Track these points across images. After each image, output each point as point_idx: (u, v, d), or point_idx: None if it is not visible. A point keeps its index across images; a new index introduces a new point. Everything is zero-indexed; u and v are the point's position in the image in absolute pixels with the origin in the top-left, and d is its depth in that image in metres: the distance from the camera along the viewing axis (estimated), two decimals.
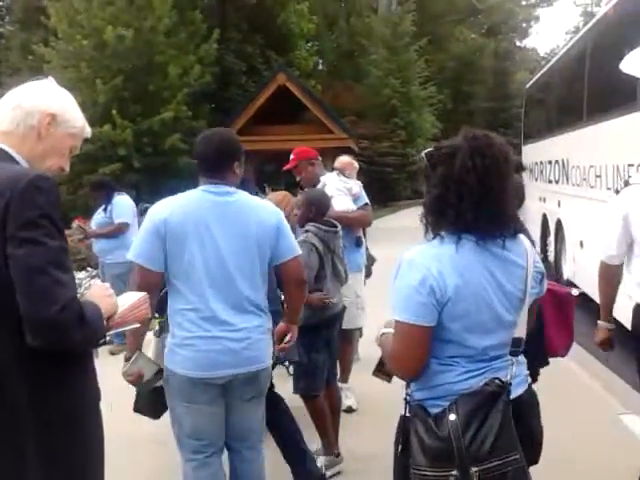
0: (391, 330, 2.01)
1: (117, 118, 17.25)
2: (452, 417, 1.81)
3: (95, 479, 1.86)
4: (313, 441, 3.86)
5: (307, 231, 3.75)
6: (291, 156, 5.03)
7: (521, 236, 2.00)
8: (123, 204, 6.92)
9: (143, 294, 1.99)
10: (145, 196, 12.79)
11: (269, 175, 19.52)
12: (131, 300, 1.93)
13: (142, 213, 5.31)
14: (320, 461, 3.75)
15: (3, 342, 1.65)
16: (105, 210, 6.84)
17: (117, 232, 6.73)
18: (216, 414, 2.72)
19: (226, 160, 2.76)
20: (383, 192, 27.47)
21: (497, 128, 29.27)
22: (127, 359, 2.75)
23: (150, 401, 3.00)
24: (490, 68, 43.14)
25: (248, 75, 23.30)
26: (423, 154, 2.00)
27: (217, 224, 2.64)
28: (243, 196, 2.78)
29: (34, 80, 1.93)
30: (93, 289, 1.85)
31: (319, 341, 3.75)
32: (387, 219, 23.04)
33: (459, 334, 1.90)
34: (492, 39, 44.93)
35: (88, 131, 1.99)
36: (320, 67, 33.33)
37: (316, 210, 3.85)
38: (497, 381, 1.87)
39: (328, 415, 3.82)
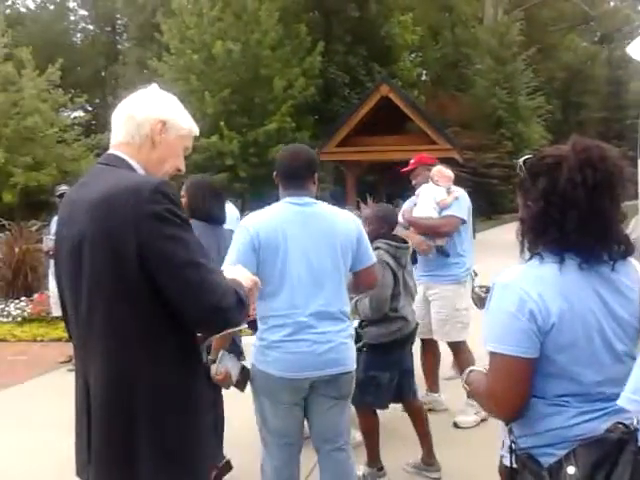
0: (479, 368, 1.82)
1: (224, 129, 17.84)
2: (571, 470, 1.54)
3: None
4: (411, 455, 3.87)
5: (377, 248, 3.60)
6: (411, 161, 5.10)
7: (632, 259, 1.76)
8: (227, 213, 7.10)
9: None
10: (250, 205, 13.11)
11: (370, 186, 19.52)
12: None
13: None
14: (361, 470, 3.73)
15: (129, 334, 1.73)
16: None
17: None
18: (298, 414, 2.84)
19: (310, 173, 2.90)
20: (488, 204, 26.84)
21: (610, 139, 27.90)
22: (213, 361, 2.83)
23: None
24: (603, 77, 41.35)
25: (351, 87, 23.48)
26: (521, 161, 1.78)
27: (305, 234, 2.77)
28: (324, 206, 2.92)
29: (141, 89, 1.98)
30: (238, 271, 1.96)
31: (388, 360, 3.74)
32: (491, 232, 22.47)
33: (568, 368, 1.65)
34: (605, 47, 43.06)
35: (196, 129, 2.00)
36: (424, 78, 33.07)
37: (388, 226, 3.82)
38: (621, 426, 1.56)
39: (378, 432, 3.83)
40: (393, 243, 3.73)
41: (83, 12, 34.78)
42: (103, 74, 33.41)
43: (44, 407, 5.24)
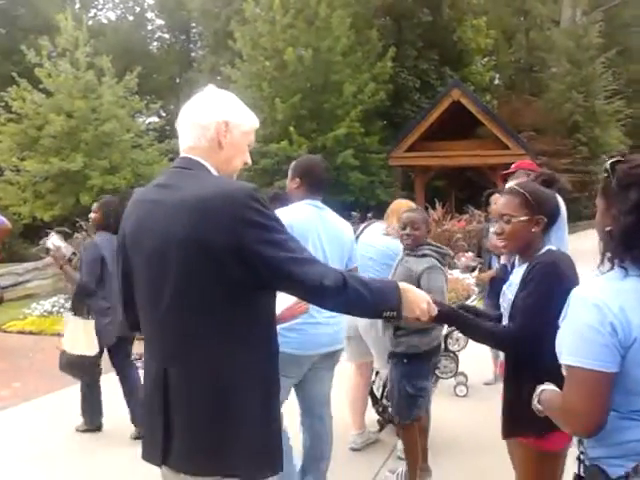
0: (551, 386, 1.78)
1: (294, 134, 17.98)
2: None
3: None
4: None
5: (426, 255, 3.48)
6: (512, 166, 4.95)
7: None
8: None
9: (296, 299, 2.21)
10: None
11: (439, 191, 19.26)
12: (288, 302, 2.13)
13: None
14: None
15: (218, 329, 1.83)
16: None
17: None
18: (290, 386, 3.24)
19: (327, 182, 3.41)
20: None
21: None
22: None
23: None
24: None
25: (421, 91, 23.27)
26: (607, 165, 1.67)
27: (323, 231, 3.20)
28: (330, 210, 3.36)
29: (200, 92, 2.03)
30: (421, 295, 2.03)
31: (430, 367, 3.77)
32: None
33: None
34: None
35: (257, 122, 2.05)
36: (496, 82, 32.43)
37: (427, 232, 3.65)
38: None
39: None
40: (441, 250, 3.65)
41: (160, 21, 35.83)
42: (177, 81, 34.29)
43: (118, 401, 5.39)
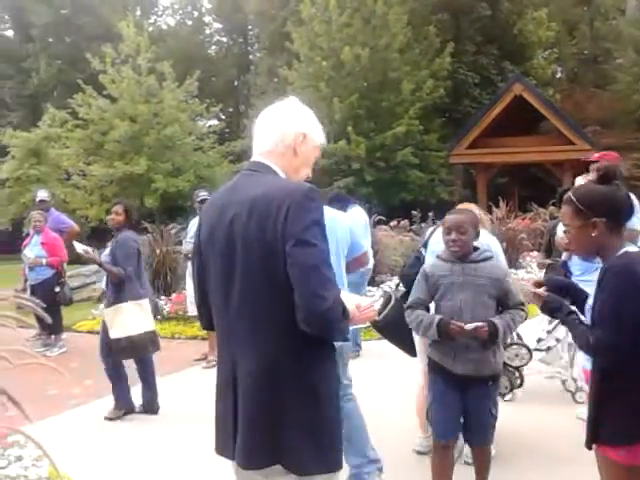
0: None
1: (352, 134, 17.93)
2: None
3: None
4: None
5: (490, 257, 3.23)
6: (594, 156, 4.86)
7: None
8: (353, 217, 7.08)
9: (372, 299, 2.23)
10: (376, 209, 13.07)
11: (502, 189, 18.85)
12: (363, 302, 2.11)
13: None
14: None
15: (277, 327, 1.90)
16: None
17: None
18: None
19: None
20: None
21: None
22: None
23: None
24: None
25: (481, 87, 22.83)
26: None
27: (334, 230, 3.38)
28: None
29: (281, 100, 2.14)
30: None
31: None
32: None
33: None
34: None
35: (324, 140, 2.17)
36: (559, 75, 31.52)
37: (476, 234, 3.31)
38: None
39: None
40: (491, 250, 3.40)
41: (218, 25, 36.31)
42: (236, 84, 34.68)
43: (183, 400, 5.47)
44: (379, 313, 3.14)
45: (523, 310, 3.19)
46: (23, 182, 18.95)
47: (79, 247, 5.34)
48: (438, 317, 3.10)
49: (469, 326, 2.99)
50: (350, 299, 2.06)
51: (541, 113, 16.79)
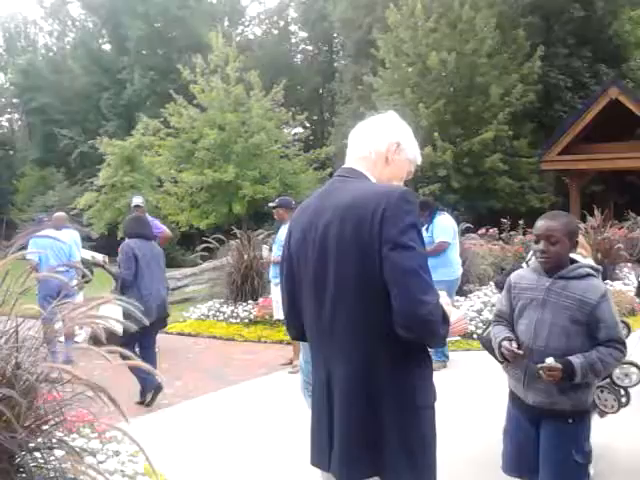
0: None
1: (438, 140, 17.70)
2: None
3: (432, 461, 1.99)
4: None
5: (588, 275, 2.67)
6: None
7: None
8: (444, 224, 6.96)
9: (463, 312, 2.09)
10: (464, 216, 12.83)
11: (596, 197, 18.10)
12: (454, 315, 2.04)
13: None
14: None
15: (373, 334, 1.87)
16: (427, 229, 6.96)
17: (438, 251, 6.78)
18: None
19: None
20: None
21: None
22: None
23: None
24: None
25: (574, 91, 22.04)
26: None
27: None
28: None
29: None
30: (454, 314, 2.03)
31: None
32: None
33: None
34: None
35: (420, 159, 2.18)
36: None
37: (573, 245, 2.84)
38: None
39: None
40: (594, 266, 2.81)
41: (303, 34, 36.80)
42: (320, 91, 35.02)
43: (270, 403, 5.53)
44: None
45: (618, 349, 2.58)
46: (118, 189, 19.83)
47: (88, 254, 6.32)
48: (503, 336, 2.73)
49: (538, 366, 2.54)
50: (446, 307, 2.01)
51: (638, 118, 16.01)
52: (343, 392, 1.91)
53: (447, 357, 6.64)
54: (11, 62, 37.10)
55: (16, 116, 40.25)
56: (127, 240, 5.80)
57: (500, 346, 2.69)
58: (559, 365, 2.50)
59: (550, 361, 2.51)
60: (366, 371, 1.88)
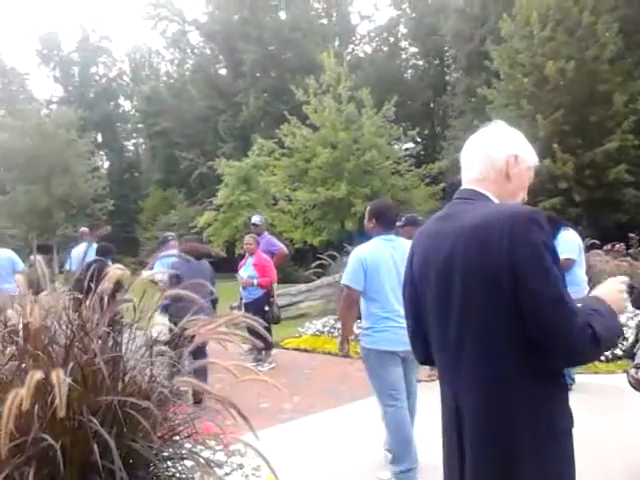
0: None
1: (558, 151, 17.05)
2: None
3: None
4: None
5: None
6: None
7: None
8: (569, 239, 6.67)
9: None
10: (587, 231, 12.22)
11: None
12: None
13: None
14: None
15: (504, 358, 1.78)
16: None
17: (563, 268, 6.48)
18: (400, 371, 4.23)
19: (396, 221, 4.56)
20: None
21: None
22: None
23: None
24: None
25: None
26: None
27: (399, 259, 4.01)
28: (399, 240, 4.37)
29: (484, 124, 2.09)
30: (608, 282, 1.94)
31: None
32: None
33: None
34: None
35: (537, 160, 2.07)
36: None
37: None
38: None
39: None
40: None
41: (414, 49, 36.69)
42: (432, 105, 34.72)
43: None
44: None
45: None
46: (235, 207, 20.55)
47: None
48: None
49: None
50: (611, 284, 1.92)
51: None
52: (475, 423, 1.84)
53: (573, 380, 6.31)
54: (136, 90, 39.52)
55: (141, 140, 42.76)
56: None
57: None
58: None
59: None
60: (500, 399, 1.80)
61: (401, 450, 4.14)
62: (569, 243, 6.60)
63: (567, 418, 1.86)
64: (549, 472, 1.78)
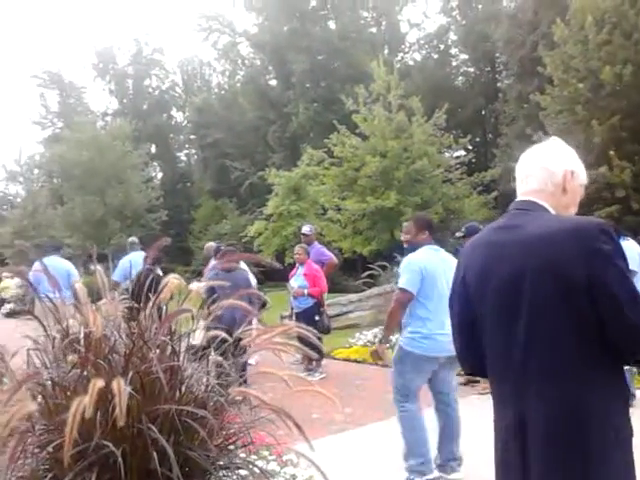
0: None
1: (614, 158, 16.62)
2: None
3: None
4: None
5: None
6: None
7: None
8: (629, 250, 6.48)
9: None
10: None
11: None
12: None
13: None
14: None
15: (573, 368, 1.84)
16: None
17: None
18: (427, 378, 4.55)
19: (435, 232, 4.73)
20: None
21: None
22: None
23: None
24: None
25: None
26: None
27: (448, 268, 3.94)
28: (442, 251, 4.61)
29: (542, 141, 2.19)
30: None
31: None
32: None
33: None
34: None
35: (586, 180, 2.17)
36: None
37: None
38: None
39: None
40: None
41: (464, 56, 36.38)
42: (483, 113, 34.32)
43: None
44: None
45: None
46: (285, 217, 20.69)
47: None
48: None
49: None
50: None
51: None
52: (545, 433, 1.85)
53: (634, 396, 6.04)
54: (188, 102, 40.29)
55: (193, 151, 43.50)
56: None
57: None
58: None
59: None
60: (574, 408, 1.83)
61: (412, 446, 4.49)
62: (629, 254, 6.40)
63: (630, 425, 1.90)
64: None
